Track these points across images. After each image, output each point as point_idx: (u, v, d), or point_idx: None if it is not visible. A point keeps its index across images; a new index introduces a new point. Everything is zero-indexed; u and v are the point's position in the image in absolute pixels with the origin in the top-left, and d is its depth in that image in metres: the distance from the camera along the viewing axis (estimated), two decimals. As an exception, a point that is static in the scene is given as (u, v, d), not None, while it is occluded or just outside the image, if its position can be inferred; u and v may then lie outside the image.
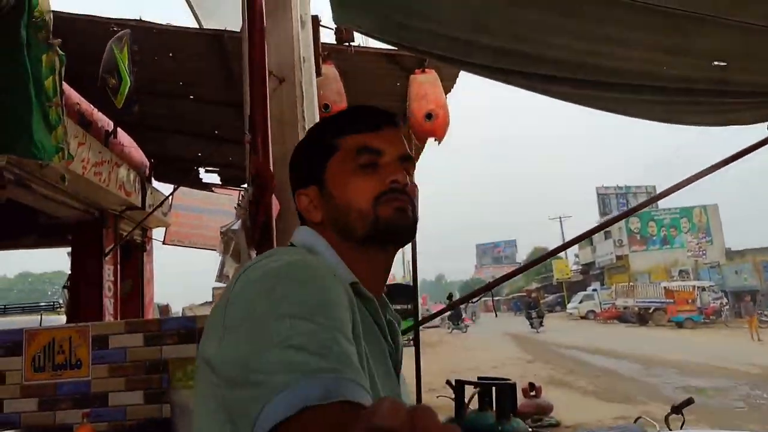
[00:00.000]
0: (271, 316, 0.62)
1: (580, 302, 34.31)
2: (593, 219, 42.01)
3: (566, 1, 2.03)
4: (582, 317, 32.79)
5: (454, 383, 2.83)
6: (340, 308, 0.67)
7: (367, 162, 0.86)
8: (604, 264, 42.18)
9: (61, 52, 3.37)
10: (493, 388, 2.52)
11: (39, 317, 9.00)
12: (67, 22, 3.64)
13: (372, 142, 0.87)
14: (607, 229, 36.00)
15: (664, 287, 26.16)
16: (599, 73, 2.51)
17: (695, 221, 37.17)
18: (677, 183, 3.22)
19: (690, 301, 24.03)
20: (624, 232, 37.82)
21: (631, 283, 31.07)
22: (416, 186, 0.91)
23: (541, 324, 26.27)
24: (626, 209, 39.91)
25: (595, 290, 35.34)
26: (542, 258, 2.90)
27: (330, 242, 0.88)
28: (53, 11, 3.34)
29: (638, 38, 2.27)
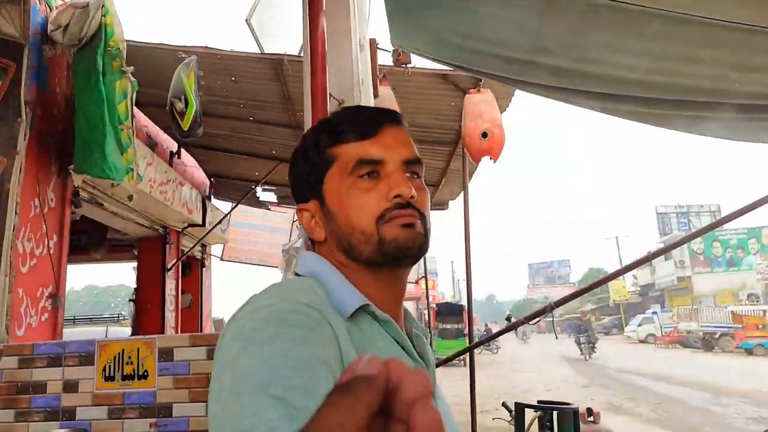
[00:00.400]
0: (232, 394, 0.58)
1: (639, 325, 32.83)
2: (652, 239, 40.38)
3: (630, 21, 2.00)
4: (641, 341, 31.35)
5: (513, 406, 2.77)
6: (310, 363, 0.59)
7: (367, 174, 0.78)
8: (664, 286, 40.36)
9: (133, 78, 3.59)
10: (555, 413, 2.45)
11: (105, 328, 9.42)
12: (138, 50, 3.87)
13: (370, 151, 0.79)
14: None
15: (732, 311, 24.69)
16: (666, 91, 2.44)
17: (765, 242, 35.10)
18: (747, 205, 3.07)
19: (761, 326, 22.56)
20: (686, 253, 36.10)
21: (694, 306, 29.56)
22: (425, 191, 0.83)
23: (592, 350, 22.86)
24: (687, 229, 38.25)
25: (654, 313, 33.75)
26: (604, 280, 2.81)
27: (337, 263, 0.81)
28: (126, 41, 3.57)
29: (707, 55, 2.20)
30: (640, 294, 46.82)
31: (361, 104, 1.02)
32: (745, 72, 2.23)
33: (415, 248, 0.77)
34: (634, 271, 45.44)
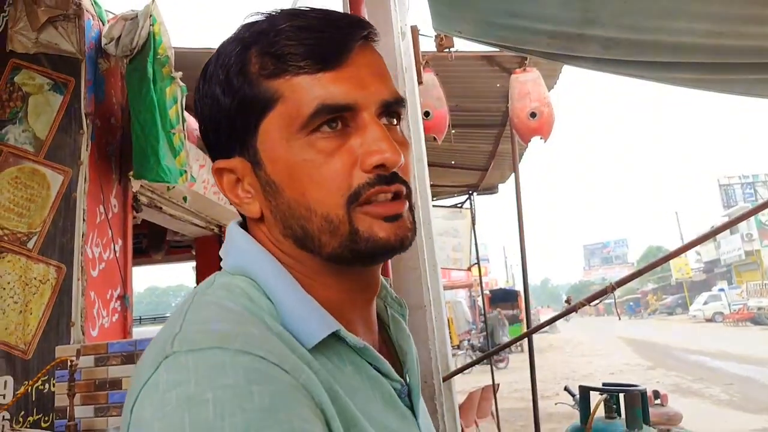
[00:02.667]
0: None
1: (705, 303, 31.49)
2: (716, 212, 38.55)
3: (686, -18, 1.90)
4: (708, 320, 30.08)
5: (576, 390, 2.71)
6: None
7: (329, 126, 0.53)
8: (730, 261, 38.50)
9: (182, 83, 3.70)
10: (621, 395, 2.38)
11: (170, 327, 9.86)
12: (185, 56, 3.98)
13: (334, 91, 0.52)
14: (733, 222, 32.81)
15: (807, 285, 23.34)
16: (728, 54, 2.31)
17: (841, 209, 32.87)
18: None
19: (840, 299, 21.22)
20: (753, 225, 34.29)
21: (765, 282, 28.06)
22: (408, 146, 0.57)
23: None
24: (754, 200, 36.21)
25: (722, 290, 32.28)
26: (664, 258, 2.67)
27: (282, 255, 0.56)
28: (174, 47, 3.68)
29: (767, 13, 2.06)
30: (704, 271, 44.90)
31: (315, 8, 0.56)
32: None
33: (401, 247, 0.54)
34: (698, 247, 43.54)
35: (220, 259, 0.61)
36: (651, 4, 2.06)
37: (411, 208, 0.56)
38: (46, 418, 2.98)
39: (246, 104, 0.54)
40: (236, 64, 0.55)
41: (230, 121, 0.55)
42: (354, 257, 0.54)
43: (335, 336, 0.53)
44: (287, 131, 0.53)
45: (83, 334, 3.20)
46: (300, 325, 0.52)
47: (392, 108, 0.56)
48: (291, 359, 0.47)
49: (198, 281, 6.70)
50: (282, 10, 0.56)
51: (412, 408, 0.61)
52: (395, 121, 0.57)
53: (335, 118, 0.52)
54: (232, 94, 0.55)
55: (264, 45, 0.54)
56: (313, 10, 0.55)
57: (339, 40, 0.53)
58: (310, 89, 0.52)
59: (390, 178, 0.53)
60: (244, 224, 0.63)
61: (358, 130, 0.53)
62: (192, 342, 0.46)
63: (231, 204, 0.59)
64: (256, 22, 0.56)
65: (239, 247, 0.59)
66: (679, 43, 2.25)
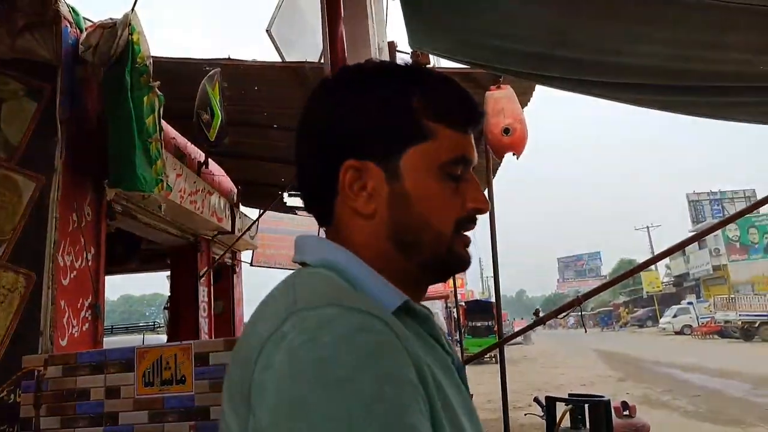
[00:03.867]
0: None
1: (674, 316, 32.16)
2: (685, 227, 39.48)
3: (650, 10, 1.99)
4: (677, 332, 30.70)
5: (543, 400, 2.77)
6: (410, 408, 0.51)
7: (458, 173, 0.70)
8: (699, 275, 39.42)
9: (159, 92, 3.70)
10: (586, 406, 2.45)
11: (141, 336, 9.67)
12: (164, 65, 3.99)
13: (470, 149, 0.71)
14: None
15: (771, 299, 24.02)
16: (690, 77, 2.42)
17: (804, 226, 33.98)
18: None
19: (802, 313, 21.88)
20: (721, 241, 35.23)
21: (732, 295, 28.79)
22: None
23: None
24: (722, 216, 37.26)
25: (690, 303, 33.01)
26: (632, 271, 2.76)
27: (371, 253, 0.68)
28: (153, 56, 3.68)
29: (730, 39, 2.17)
30: (674, 284, 45.87)
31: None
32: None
33: (468, 265, 0.74)
34: (668, 261, 44.49)
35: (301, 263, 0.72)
36: (618, 28, 2.15)
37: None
38: (11, 430, 2.92)
39: (402, 129, 0.68)
40: (400, 94, 0.69)
41: (380, 134, 0.68)
42: (439, 267, 0.72)
43: (403, 310, 0.65)
44: (430, 163, 0.68)
45: (52, 343, 3.16)
46: (380, 295, 0.64)
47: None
48: (386, 313, 0.59)
49: (172, 291, 6.63)
50: (432, 69, 0.77)
51: (463, 383, 0.72)
52: None
53: (461, 167, 0.70)
54: (390, 116, 0.68)
55: (431, 92, 0.70)
56: (464, 90, 0.73)
57: (479, 117, 0.72)
58: (459, 141, 0.69)
59: (476, 218, 0.72)
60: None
61: (466, 180, 0.71)
62: (310, 302, 0.57)
63: (345, 196, 0.69)
64: (416, 67, 0.74)
65: (322, 246, 0.71)
66: (644, 66, 2.35)
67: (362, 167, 0.68)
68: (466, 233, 0.72)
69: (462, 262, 0.72)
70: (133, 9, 3.43)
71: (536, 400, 3.30)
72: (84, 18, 3.72)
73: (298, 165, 0.77)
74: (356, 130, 0.69)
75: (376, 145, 0.68)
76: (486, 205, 0.72)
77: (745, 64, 2.32)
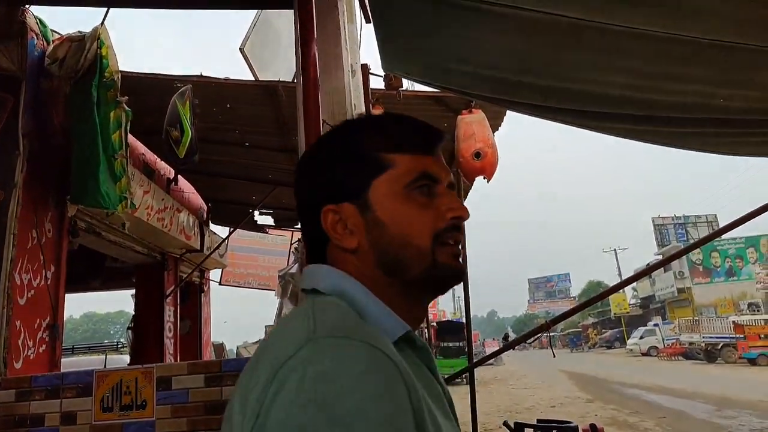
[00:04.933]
0: None
1: (641, 338, 32.71)
2: (651, 250, 40.47)
3: (613, 41, 2.05)
4: (643, 354, 31.20)
5: (513, 425, 2.76)
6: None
7: (424, 189, 0.75)
8: (664, 297, 40.32)
9: (127, 108, 3.63)
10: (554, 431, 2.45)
11: (104, 356, 9.36)
12: (134, 80, 3.93)
13: (432, 167, 0.76)
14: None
15: (733, 321, 24.64)
16: (651, 107, 2.49)
17: (763, 251, 35.17)
18: (744, 215, 3.11)
19: (763, 336, 22.48)
20: (685, 264, 36.15)
21: (695, 318, 29.49)
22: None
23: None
24: (685, 240, 38.31)
25: (656, 325, 33.67)
26: (603, 295, 2.81)
27: (367, 280, 0.74)
28: (121, 71, 3.63)
29: (690, 72, 2.25)
30: (641, 306, 46.75)
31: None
32: (727, 88, 2.28)
33: (461, 275, 0.77)
34: (635, 284, 45.38)
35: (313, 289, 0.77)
36: (580, 56, 2.21)
37: (464, 254, 0.80)
38: (-43, 458, 2.77)
39: (364, 167, 0.76)
40: (356, 139, 0.79)
41: (346, 178, 0.76)
42: (430, 281, 0.75)
43: (403, 339, 0.70)
44: (394, 187, 0.74)
45: (5, 366, 3.02)
46: (383, 325, 0.69)
47: (452, 189, 0.81)
48: (392, 349, 0.63)
49: (137, 310, 6.45)
50: (390, 114, 0.84)
51: (453, 415, 0.76)
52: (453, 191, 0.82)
53: (426, 184, 0.75)
54: (352, 160, 0.77)
55: (385, 128, 0.80)
56: (407, 117, 0.81)
57: (434, 140, 0.79)
58: (418, 163, 0.76)
59: (459, 229, 0.76)
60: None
61: (438, 195, 0.76)
62: (329, 331, 0.61)
63: (329, 234, 0.76)
64: (374, 116, 0.86)
65: (329, 274, 0.75)
66: (606, 95, 2.41)
67: (339, 209, 0.75)
68: (452, 243, 0.75)
69: (452, 271, 0.75)
70: (102, 23, 3.38)
71: (506, 424, 3.29)
72: (52, 30, 3.65)
73: (301, 226, 0.86)
74: (328, 180, 0.78)
75: (345, 186, 0.76)
76: (463, 211, 0.75)
77: (705, 96, 2.40)
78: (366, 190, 0.75)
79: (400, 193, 0.74)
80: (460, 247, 0.77)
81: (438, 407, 0.69)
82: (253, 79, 4.10)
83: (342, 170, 0.77)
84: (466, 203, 4.66)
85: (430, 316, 8.41)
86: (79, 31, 3.44)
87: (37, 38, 3.51)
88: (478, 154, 3.70)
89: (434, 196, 0.76)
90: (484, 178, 3.81)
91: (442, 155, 0.82)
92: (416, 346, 0.74)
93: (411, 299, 0.76)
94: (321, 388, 0.55)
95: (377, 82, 3.71)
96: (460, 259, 0.77)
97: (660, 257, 34.08)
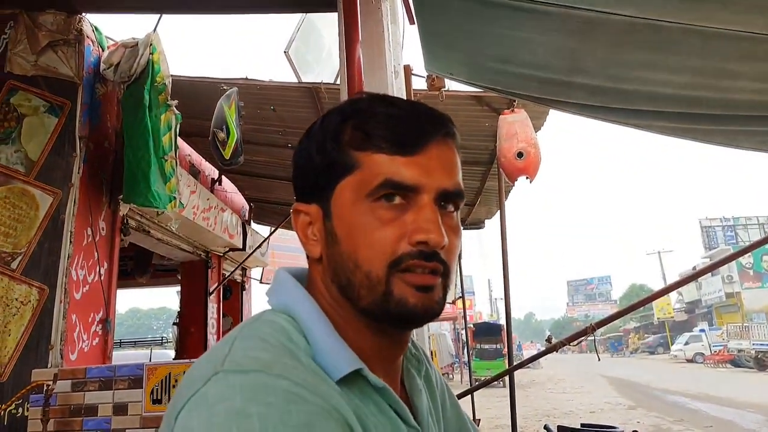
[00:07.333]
0: None
1: (686, 344, 31.60)
2: (697, 253, 39.08)
3: (667, 38, 2.00)
4: (688, 360, 30.16)
5: (554, 428, 2.73)
6: None
7: (387, 199, 0.59)
8: (711, 302, 38.83)
9: (177, 111, 3.75)
10: (600, 437, 2.40)
11: (149, 351, 9.66)
12: (183, 84, 4.05)
13: (403, 173, 0.59)
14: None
15: (786, 328, 23.58)
16: (704, 106, 2.42)
17: (818, 255, 33.53)
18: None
19: (818, 344, 21.45)
20: (734, 268, 34.74)
21: (745, 324, 28.33)
22: (458, 233, 0.64)
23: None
24: (734, 242, 36.83)
25: (702, 331, 32.45)
26: (647, 300, 2.72)
27: (326, 299, 0.63)
28: (172, 75, 3.75)
29: (744, 69, 2.18)
30: (686, 311, 45.19)
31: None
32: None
33: (425, 317, 0.60)
34: (679, 288, 43.88)
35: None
36: (633, 56, 2.16)
37: (445, 287, 0.61)
38: (18, 444, 2.91)
39: (332, 166, 0.62)
40: (333, 131, 0.63)
41: (317, 175, 0.64)
42: (383, 316, 0.60)
43: (360, 376, 0.58)
44: (356, 195, 0.60)
45: (62, 357, 3.16)
46: (330, 361, 0.57)
47: (450, 197, 0.62)
48: (322, 387, 0.53)
49: (182, 306, 6.64)
50: (382, 96, 0.66)
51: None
52: (451, 208, 0.64)
53: (395, 193, 0.59)
54: (323, 154, 0.63)
55: (358, 121, 0.62)
56: (406, 101, 0.66)
57: (419, 133, 0.61)
58: (383, 166, 0.59)
59: (430, 255, 0.59)
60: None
61: (414, 208, 0.60)
62: (239, 364, 0.52)
63: (299, 239, 0.67)
64: (359, 100, 0.66)
65: (287, 290, 0.65)
66: (659, 93, 2.35)
67: (307, 210, 0.65)
68: (418, 273, 0.59)
69: (406, 307, 0.58)
70: (155, 29, 3.50)
71: (547, 428, 3.24)
72: (106, 37, 3.80)
73: None
74: (301, 175, 0.67)
75: (314, 185, 0.64)
76: (434, 235, 0.58)
77: (759, 94, 2.31)
78: (331, 193, 0.62)
79: (361, 202, 0.60)
80: (437, 284, 0.60)
81: None
82: (296, 81, 4.17)
83: (312, 164, 0.64)
84: (507, 203, 4.63)
85: (467, 318, 8.33)
86: (132, 38, 3.57)
87: (93, 45, 3.66)
88: (520, 154, 3.66)
89: (409, 210, 0.59)
90: (527, 178, 3.77)
91: (452, 153, 0.64)
92: (372, 387, 0.60)
93: (373, 329, 0.62)
94: (234, 430, 0.46)
95: (419, 83, 3.73)
96: (434, 297, 0.60)
97: (708, 260, 32.91)
